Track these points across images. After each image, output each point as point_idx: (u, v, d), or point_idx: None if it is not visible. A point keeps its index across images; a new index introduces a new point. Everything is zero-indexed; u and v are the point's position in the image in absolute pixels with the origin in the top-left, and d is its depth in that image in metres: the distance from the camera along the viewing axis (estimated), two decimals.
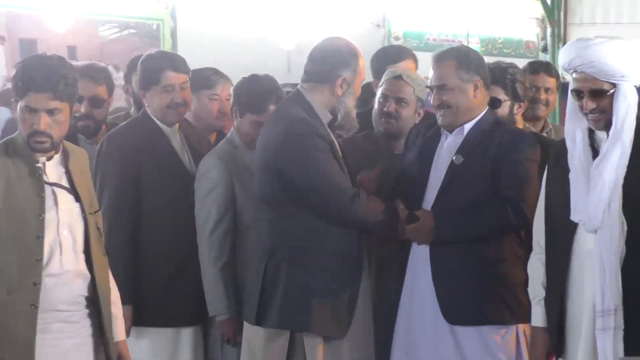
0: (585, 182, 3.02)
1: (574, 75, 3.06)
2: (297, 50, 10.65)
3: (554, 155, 3.26)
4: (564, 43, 10.52)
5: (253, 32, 10.10)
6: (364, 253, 3.52)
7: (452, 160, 3.51)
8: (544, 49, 11.40)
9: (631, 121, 2.97)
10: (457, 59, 3.54)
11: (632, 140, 2.97)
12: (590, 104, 2.99)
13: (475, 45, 14.13)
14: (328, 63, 3.45)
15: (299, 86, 3.53)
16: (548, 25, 10.76)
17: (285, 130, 3.35)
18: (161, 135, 3.84)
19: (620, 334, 2.93)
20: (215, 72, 4.30)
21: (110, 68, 8.92)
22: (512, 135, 3.55)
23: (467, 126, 3.54)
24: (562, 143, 3.20)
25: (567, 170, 3.09)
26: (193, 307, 3.81)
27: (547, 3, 10.71)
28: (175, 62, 3.86)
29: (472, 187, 3.48)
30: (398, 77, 3.94)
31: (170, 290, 3.78)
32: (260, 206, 3.52)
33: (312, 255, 3.39)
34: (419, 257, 3.54)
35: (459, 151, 3.51)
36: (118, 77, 8.91)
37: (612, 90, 2.96)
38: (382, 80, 4.01)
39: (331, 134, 3.46)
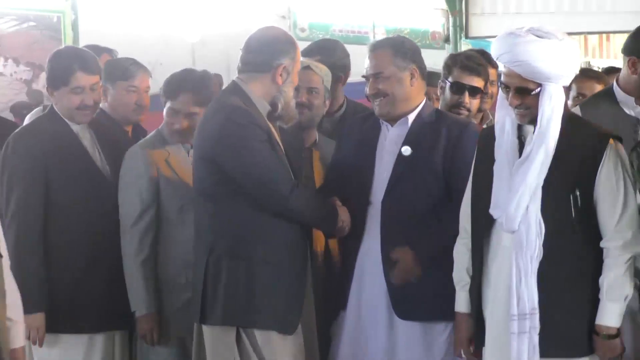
0: (508, 177, 3.02)
1: (503, 68, 3.07)
2: (201, 43, 10.55)
3: (482, 141, 3.26)
4: (466, 33, 10.68)
5: (157, 24, 9.96)
6: (308, 243, 3.46)
7: (400, 152, 3.48)
8: (446, 40, 11.55)
9: (556, 122, 2.97)
10: (392, 47, 3.54)
11: (556, 142, 2.98)
12: (515, 101, 3.00)
13: (381, 36, 14.23)
14: (267, 52, 3.39)
15: (235, 78, 3.47)
16: (450, 16, 10.90)
17: (222, 119, 3.29)
18: (70, 134, 3.73)
19: (536, 336, 2.95)
20: (134, 62, 4.18)
21: (10, 62, 8.73)
22: (460, 128, 3.54)
23: (410, 117, 3.53)
24: (491, 130, 3.20)
25: (493, 160, 3.10)
26: (106, 312, 3.69)
27: None
28: (86, 62, 3.71)
29: (423, 179, 3.47)
30: (307, 67, 3.94)
31: (82, 295, 3.66)
32: (197, 199, 3.44)
33: (253, 248, 3.32)
34: (368, 251, 3.51)
35: (405, 143, 3.50)
36: (18, 71, 8.73)
37: (537, 90, 2.97)
38: None
39: (270, 125, 3.39)
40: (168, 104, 3.76)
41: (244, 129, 3.24)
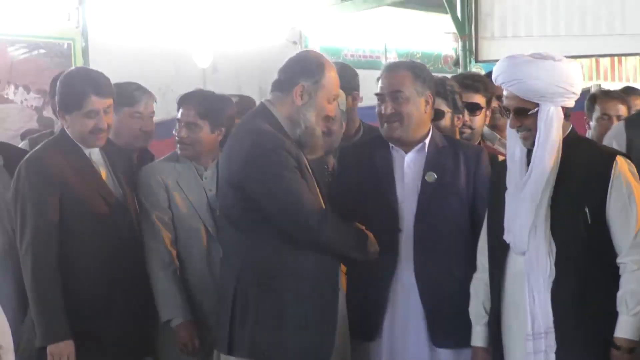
0: (516, 202, 3.04)
1: (504, 92, 3.09)
2: (212, 68, 10.58)
3: (497, 172, 3.27)
4: (476, 57, 10.67)
5: (167, 51, 10.00)
6: (339, 273, 3.33)
7: (424, 178, 3.43)
8: (456, 63, 11.55)
9: (552, 142, 2.97)
10: (413, 71, 3.50)
11: (557, 160, 2.98)
12: (515, 122, 3.02)
13: (393, 60, 14.25)
14: (290, 71, 3.29)
15: (264, 99, 3.38)
16: (459, 40, 10.90)
17: (250, 144, 3.15)
18: (82, 157, 3.64)
19: (552, 354, 2.95)
20: (138, 87, 4.10)
21: (20, 89, 8.75)
22: (476, 152, 3.54)
23: (427, 142, 3.49)
24: (504, 163, 3.23)
25: (505, 190, 3.11)
26: (128, 340, 3.59)
27: (457, 17, 10.84)
28: (100, 85, 3.62)
29: (449, 205, 3.41)
30: None
31: (103, 324, 3.55)
32: (224, 223, 3.33)
33: (281, 280, 3.18)
34: (400, 280, 3.43)
35: (428, 168, 3.44)
36: (29, 98, 8.76)
37: (534, 110, 2.98)
38: None
39: (299, 150, 3.27)
40: (179, 114, 3.82)
41: (272, 155, 3.12)
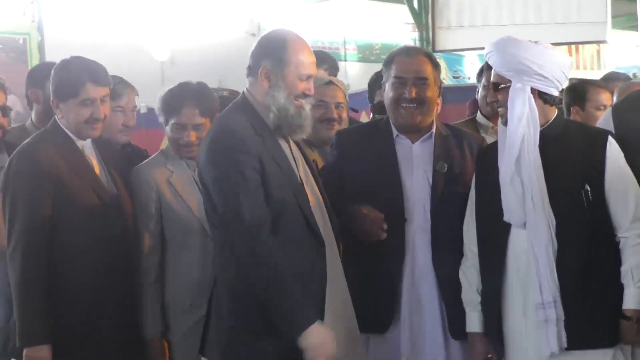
0: (510, 181, 3.08)
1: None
2: (170, 61, 10.52)
3: (482, 157, 3.30)
4: (433, 47, 10.71)
5: (124, 44, 9.92)
6: (324, 275, 3.02)
7: (435, 168, 3.39)
8: None
9: (524, 118, 3.00)
10: (429, 57, 3.49)
11: (536, 136, 3.02)
12: (493, 96, 3.12)
13: (352, 51, 14.27)
14: (255, 54, 3.11)
15: (245, 88, 3.20)
16: (416, 30, 10.94)
17: (209, 141, 3.00)
18: (75, 150, 3.48)
19: (562, 325, 2.99)
20: (121, 81, 3.94)
21: None
22: (477, 141, 3.54)
23: (433, 131, 3.46)
24: (490, 146, 3.28)
25: (495, 174, 3.13)
26: (117, 344, 3.42)
27: (414, 7, 10.88)
28: (97, 73, 3.48)
29: (460, 195, 3.35)
30: (330, 83, 3.86)
31: (92, 327, 3.38)
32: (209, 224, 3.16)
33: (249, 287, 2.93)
34: (415, 272, 3.36)
35: (438, 158, 3.40)
36: None
37: (506, 85, 3.04)
38: None
39: (275, 143, 3.05)
40: (172, 121, 3.59)
41: (223, 154, 2.94)
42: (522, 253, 3.08)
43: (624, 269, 3.04)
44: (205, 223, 3.29)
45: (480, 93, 4.34)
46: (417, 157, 3.42)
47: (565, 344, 3.00)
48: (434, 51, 10.87)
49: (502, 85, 3.07)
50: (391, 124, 3.49)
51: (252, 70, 3.10)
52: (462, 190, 3.36)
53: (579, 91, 4.51)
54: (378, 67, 3.97)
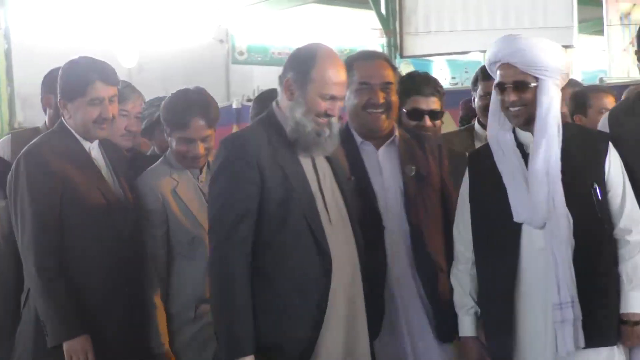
0: (522, 182, 3.06)
1: (498, 70, 3.08)
2: (138, 67, 10.49)
3: (475, 160, 3.26)
4: (401, 52, 10.76)
5: (92, 51, 9.82)
6: (326, 291, 2.91)
7: (403, 172, 3.34)
8: None
9: (554, 117, 3.02)
10: (389, 62, 3.47)
11: (560, 136, 3.02)
12: (513, 96, 3.01)
13: None
14: (286, 62, 3.05)
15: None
16: (384, 35, 11.00)
17: (218, 149, 2.99)
18: (82, 152, 3.40)
19: (579, 325, 2.97)
20: (128, 85, 3.86)
21: None
22: (437, 141, 3.51)
23: (397, 136, 3.41)
24: (481, 150, 3.25)
25: (497, 175, 3.11)
26: (125, 348, 3.35)
27: (382, 13, 10.94)
28: (106, 73, 3.40)
29: (429, 197, 3.34)
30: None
31: (100, 329, 3.31)
32: None
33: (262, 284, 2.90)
34: (399, 279, 3.31)
35: (405, 162, 3.36)
36: None
37: (535, 84, 3.01)
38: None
39: (292, 155, 2.98)
40: (179, 135, 3.49)
41: (225, 162, 2.92)
42: (538, 253, 3.05)
43: (619, 271, 3.05)
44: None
45: (477, 102, 4.22)
46: (385, 163, 3.39)
47: (582, 344, 2.98)
48: (402, 57, 10.94)
49: (532, 84, 3.01)
50: (352, 130, 3.43)
51: (280, 80, 3.05)
52: (432, 192, 3.36)
53: (580, 99, 4.53)
54: None
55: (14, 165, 3.33)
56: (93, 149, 3.43)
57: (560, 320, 2.97)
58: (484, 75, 3.93)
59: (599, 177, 3.05)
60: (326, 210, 2.98)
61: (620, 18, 12.56)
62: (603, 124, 3.38)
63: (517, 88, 3.01)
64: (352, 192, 3.17)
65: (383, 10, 10.94)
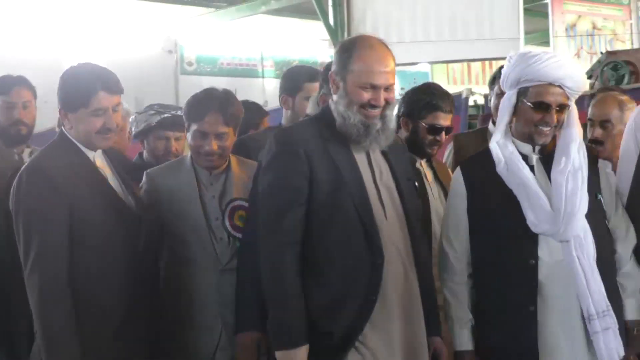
0: (539, 194, 3.04)
1: (538, 89, 3.05)
2: None
3: (471, 170, 3.22)
4: None
5: (40, 62, 9.78)
6: (376, 288, 2.92)
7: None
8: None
9: (577, 134, 3.07)
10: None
11: (581, 151, 3.07)
12: (556, 118, 3.02)
13: (270, 68, 14.30)
14: (333, 56, 3.04)
15: None
16: (333, 46, 11.05)
17: (268, 143, 3.00)
18: (87, 163, 3.25)
19: (617, 332, 2.98)
20: None
21: None
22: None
23: None
24: (473, 160, 3.24)
25: (502, 185, 3.08)
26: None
27: (330, 24, 10.99)
28: (109, 82, 3.25)
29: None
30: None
31: (120, 349, 3.17)
32: None
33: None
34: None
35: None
36: None
37: (570, 106, 3.06)
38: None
39: (350, 149, 2.98)
40: (194, 127, 3.45)
41: (272, 154, 2.95)
42: (556, 265, 3.03)
43: (617, 279, 3.12)
44: (217, 229, 3.36)
45: (493, 102, 4.16)
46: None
47: (622, 352, 2.99)
48: None
49: (569, 106, 3.05)
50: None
51: (323, 75, 3.11)
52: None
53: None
54: None
55: (16, 181, 3.16)
56: (97, 157, 3.29)
57: (602, 329, 2.95)
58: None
59: (599, 187, 3.11)
60: (382, 205, 2.97)
61: (566, 29, 12.81)
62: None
63: (560, 110, 3.02)
64: (411, 192, 3.16)
65: (331, 22, 10.99)
